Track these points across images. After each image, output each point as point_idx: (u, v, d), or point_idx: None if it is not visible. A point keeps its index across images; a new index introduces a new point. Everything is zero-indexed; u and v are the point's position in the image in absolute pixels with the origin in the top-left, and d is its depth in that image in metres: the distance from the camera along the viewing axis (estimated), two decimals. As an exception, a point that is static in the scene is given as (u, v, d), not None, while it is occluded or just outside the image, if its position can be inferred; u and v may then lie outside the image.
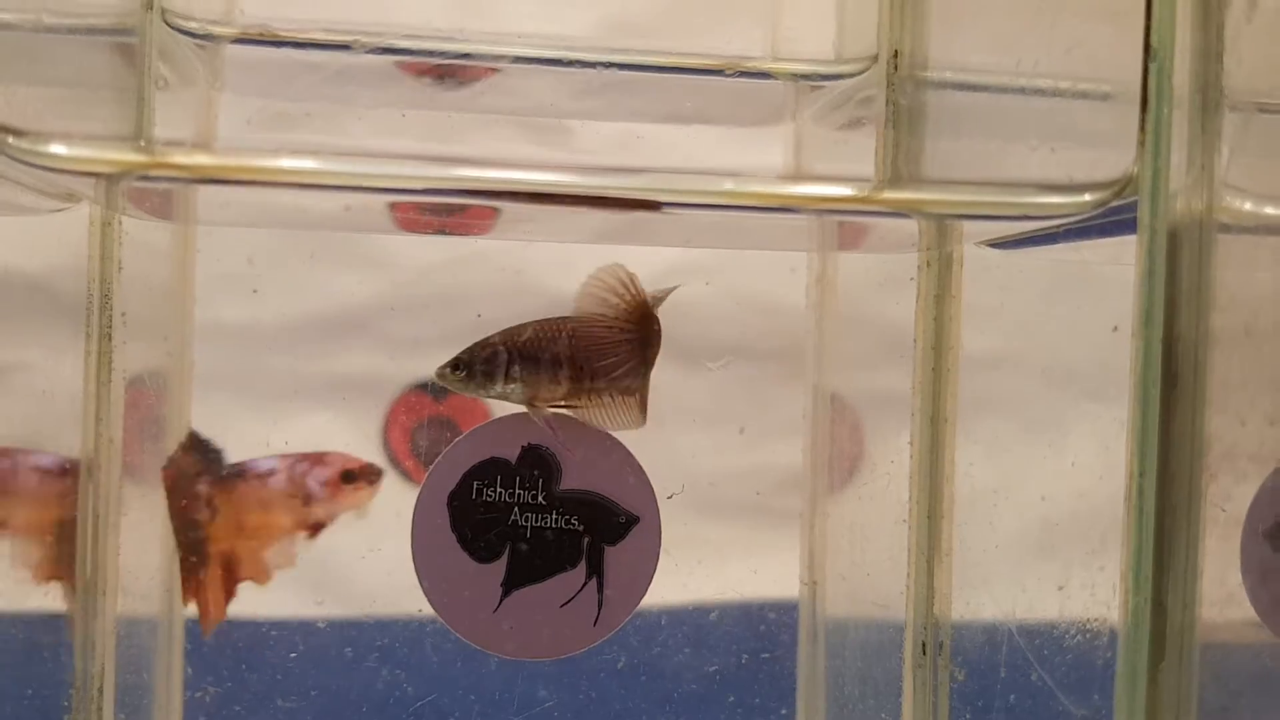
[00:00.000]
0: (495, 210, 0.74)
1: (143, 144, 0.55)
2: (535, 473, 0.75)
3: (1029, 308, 0.92)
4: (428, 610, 0.74)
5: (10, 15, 0.60)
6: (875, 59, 0.82)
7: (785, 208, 0.66)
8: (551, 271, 1.14)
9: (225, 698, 1.13)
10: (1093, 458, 0.87)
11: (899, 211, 0.65)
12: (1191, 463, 0.66)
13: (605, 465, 0.76)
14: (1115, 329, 0.73)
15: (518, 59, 0.85)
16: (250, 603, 1.11)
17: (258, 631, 1.15)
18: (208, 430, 1.06)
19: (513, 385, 0.76)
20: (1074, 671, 0.89)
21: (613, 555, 0.75)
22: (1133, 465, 0.63)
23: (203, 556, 0.81)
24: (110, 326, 0.81)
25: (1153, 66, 0.60)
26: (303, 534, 0.83)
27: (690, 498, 0.95)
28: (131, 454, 0.89)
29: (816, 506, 1.15)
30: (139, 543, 0.91)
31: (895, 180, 0.73)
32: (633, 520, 0.76)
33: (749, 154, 1.07)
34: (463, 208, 0.72)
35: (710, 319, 1.25)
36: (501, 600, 0.75)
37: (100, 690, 0.85)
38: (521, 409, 0.76)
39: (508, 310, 0.78)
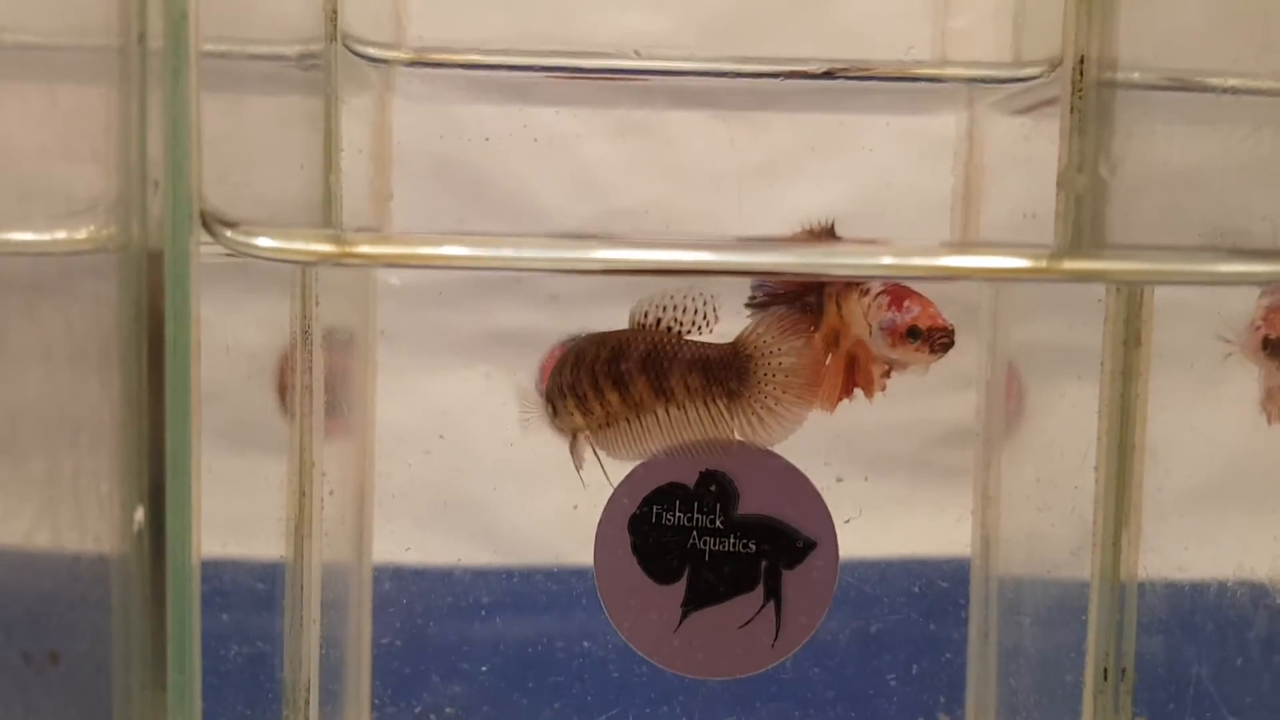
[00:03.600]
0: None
1: (334, 233, 0.58)
2: (713, 498, 0.77)
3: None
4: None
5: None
6: (1058, 63, 0.78)
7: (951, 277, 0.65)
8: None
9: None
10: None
11: (1081, 279, 0.63)
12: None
13: (783, 490, 0.77)
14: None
15: (691, 72, 0.84)
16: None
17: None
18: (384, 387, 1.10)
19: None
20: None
21: (790, 578, 0.77)
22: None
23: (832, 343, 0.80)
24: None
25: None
26: (882, 365, 0.80)
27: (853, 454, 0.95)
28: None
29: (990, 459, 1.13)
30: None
31: (1077, 238, 0.70)
32: (810, 545, 0.77)
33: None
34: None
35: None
36: (682, 620, 0.77)
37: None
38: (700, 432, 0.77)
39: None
